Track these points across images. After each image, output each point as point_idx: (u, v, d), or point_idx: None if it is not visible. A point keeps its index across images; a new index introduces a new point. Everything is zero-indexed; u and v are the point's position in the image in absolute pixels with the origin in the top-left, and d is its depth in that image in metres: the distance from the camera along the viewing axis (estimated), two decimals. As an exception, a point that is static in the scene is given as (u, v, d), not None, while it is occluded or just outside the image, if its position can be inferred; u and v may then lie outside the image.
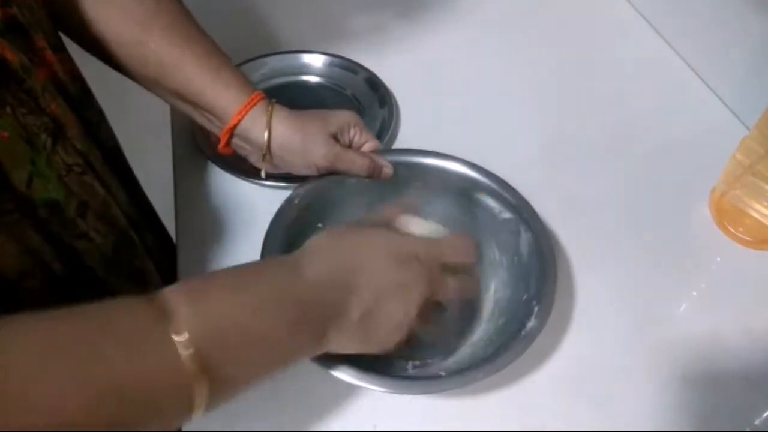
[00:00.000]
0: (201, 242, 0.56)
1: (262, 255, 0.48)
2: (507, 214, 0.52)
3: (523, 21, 0.83)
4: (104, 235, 0.44)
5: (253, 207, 0.56)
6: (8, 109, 0.36)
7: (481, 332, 0.49)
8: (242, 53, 0.69)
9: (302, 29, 0.79)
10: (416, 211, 0.49)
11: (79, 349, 0.28)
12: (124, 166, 0.55)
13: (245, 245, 0.55)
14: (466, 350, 0.48)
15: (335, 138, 0.52)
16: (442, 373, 0.44)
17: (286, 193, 0.53)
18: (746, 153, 0.56)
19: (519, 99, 0.72)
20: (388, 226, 0.46)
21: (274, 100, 0.51)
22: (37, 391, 0.26)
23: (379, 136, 0.62)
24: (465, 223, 0.54)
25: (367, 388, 0.43)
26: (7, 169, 0.35)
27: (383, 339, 0.40)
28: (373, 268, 0.40)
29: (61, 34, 0.46)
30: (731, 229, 0.59)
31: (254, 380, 0.36)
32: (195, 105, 0.51)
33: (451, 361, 0.47)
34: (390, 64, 0.73)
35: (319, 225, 0.54)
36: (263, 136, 0.50)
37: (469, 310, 0.51)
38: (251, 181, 0.60)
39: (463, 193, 0.54)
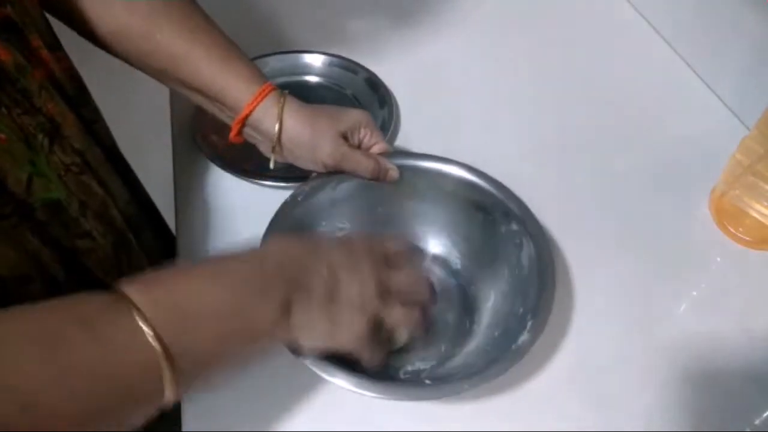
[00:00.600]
0: (201, 242, 0.56)
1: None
2: (512, 226, 0.51)
3: (523, 21, 0.83)
4: (103, 235, 0.44)
5: (253, 207, 0.56)
6: (3, 110, 0.36)
7: (476, 342, 0.49)
8: (242, 53, 0.69)
9: (302, 29, 0.79)
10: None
11: (38, 337, 0.29)
12: (122, 164, 0.55)
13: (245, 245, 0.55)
14: (459, 360, 0.48)
15: (345, 137, 0.52)
16: (428, 382, 0.44)
17: (286, 194, 0.53)
18: (746, 153, 0.56)
19: (519, 99, 0.72)
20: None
21: (286, 91, 0.51)
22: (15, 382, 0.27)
23: (379, 136, 0.62)
24: (469, 232, 0.54)
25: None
26: (5, 171, 0.35)
27: (350, 321, 0.40)
28: (324, 250, 0.41)
29: (60, 33, 0.46)
30: (731, 229, 0.59)
31: (219, 357, 0.36)
32: (206, 95, 0.51)
33: (443, 370, 0.47)
34: (390, 64, 0.73)
35: (323, 223, 0.54)
36: (274, 127, 0.50)
37: (467, 319, 0.51)
38: (251, 181, 0.60)
39: (467, 201, 0.54)
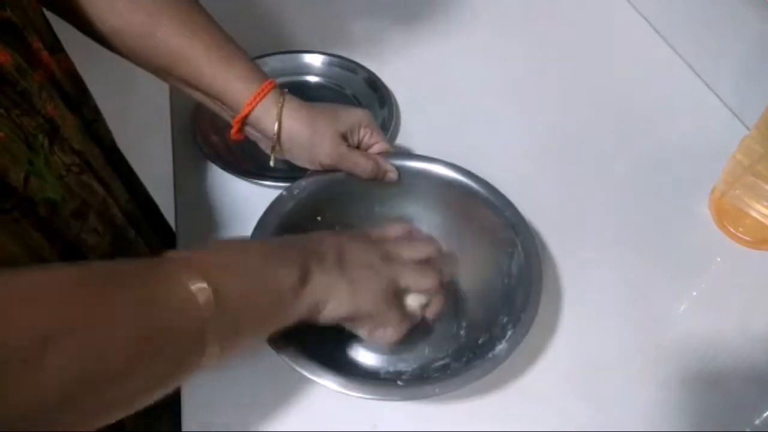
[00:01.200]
0: (201, 242, 0.56)
1: (253, 234, 0.49)
2: (504, 233, 0.51)
3: (523, 22, 0.83)
4: (103, 234, 0.44)
5: (253, 207, 0.56)
6: (2, 111, 0.36)
7: (461, 347, 0.49)
8: (242, 53, 0.69)
9: (302, 29, 0.79)
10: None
11: (106, 281, 0.31)
12: (122, 163, 0.55)
13: (245, 245, 0.55)
14: (441, 363, 0.48)
15: (344, 137, 0.52)
16: (400, 383, 0.45)
17: (286, 193, 0.53)
18: (746, 153, 0.56)
19: (519, 99, 0.72)
20: None
21: (285, 89, 0.51)
22: (56, 343, 0.27)
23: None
24: (463, 236, 0.54)
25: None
26: (5, 168, 0.35)
27: (368, 285, 0.42)
28: (331, 237, 0.45)
29: (61, 33, 0.46)
30: (731, 229, 0.59)
31: (255, 311, 0.37)
32: (206, 94, 0.51)
33: (423, 372, 0.47)
34: (390, 64, 0.73)
35: (318, 218, 0.54)
36: (273, 127, 0.50)
37: (455, 323, 0.51)
38: (251, 181, 0.60)
39: (465, 205, 0.54)
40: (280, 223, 0.50)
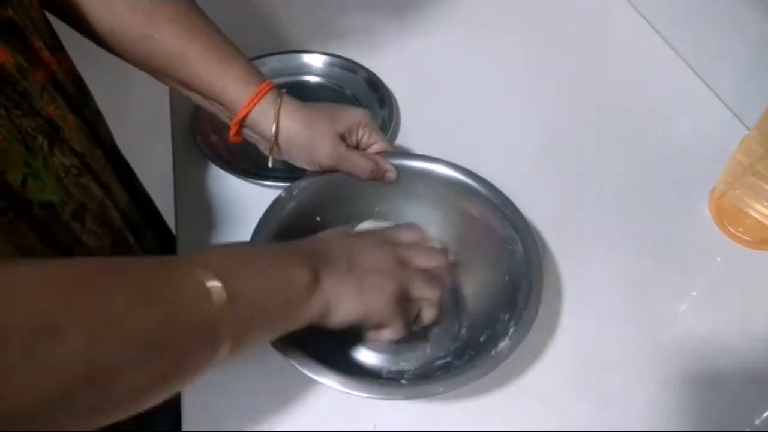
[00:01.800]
0: (201, 242, 0.56)
1: (253, 236, 0.49)
2: (504, 231, 0.51)
3: (523, 22, 0.83)
4: (101, 237, 0.44)
5: (253, 207, 0.56)
6: (2, 111, 0.35)
7: (462, 345, 0.49)
8: (242, 53, 0.69)
9: (302, 29, 0.79)
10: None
11: (121, 271, 0.31)
12: (123, 165, 0.55)
13: (245, 245, 0.56)
14: (443, 361, 0.48)
15: (343, 137, 0.52)
16: (404, 382, 0.45)
17: (286, 194, 0.53)
18: (746, 153, 0.56)
19: (519, 99, 0.72)
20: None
21: (283, 90, 0.51)
22: (74, 332, 0.27)
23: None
24: (463, 235, 0.54)
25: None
26: (2, 169, 0.35)
27: (378, 289, 0.42)
28: (345, 240, 0.45)
29: (62, 34, 0.46)
30: (731, 229, 0.59)
31: (268, 310, 0.37)
32: (204, 96, 0.51)
33: (426, 371, 0.47)
34: (390, 64, 0.73)
35: (318, 218, 0.54)
36: (271, 129, 0.50)
37: (456, 322, 0.51)
38: (251, 181, 0.60)
39: (463, 205, 0.54)
40: (280, 224, 0.50)
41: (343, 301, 0.41)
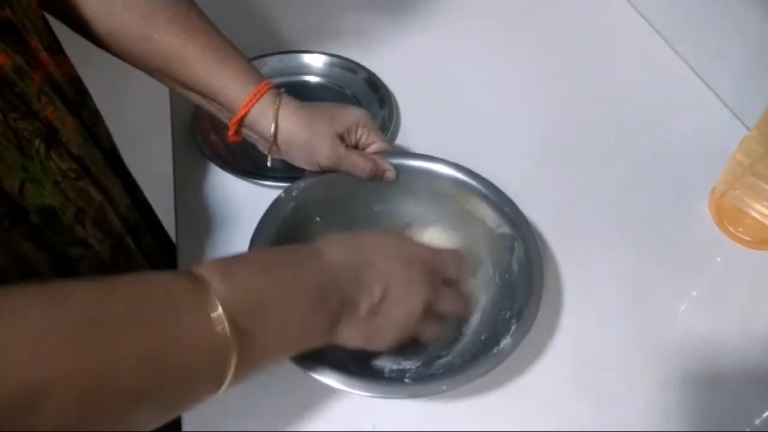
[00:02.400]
0: (201, 242, 0.56)
1: (253, 238, 0.48)
2: (504, 229, 0.51)
3: (523, 22, 0.83)
4: (101, 241, 0.44)
5: (253, 207, 0.56)
6: None
7: (463, 345, 0.49)
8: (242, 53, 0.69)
9: (302, 29, 0.79)
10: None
11: (115, 315, 0.29)
12: (122, 167, 0.54)
13: (245, 245, 0.55)
14: (445, 361, 0.48)
15: (342, 137, 0.52)
16: (407, 380, 0.45)
17: (286, 193, 0.53)
18: (746, 153, 0.56)
19: (519, 99, 0.72)
20: (399, 232, 0.48)
21: (282, 89, 0.51)
22: (72, 354, 0.26)
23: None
24: (462, 234, 0.54)
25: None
26: None
27: (386, 337, 0.41)
28: (382, 266, 0.41)
29: (61, 35, 0.46)
30: (731, 229, 0.59)
31: (273, 357, 0.36)
32: (203, 96, 0.51)
33: (428, 370, 0.47)
34: (390, 64, 0.73)
35: (317, 218, 0.54)
36: (270, 129, 0.50)
37: (455, 322, 0.51)
38: (251, 181, 0.60)
39: (463, 202, 0.54)
40: (280, 226, 0.50)
41: (347, 342, 0.40)
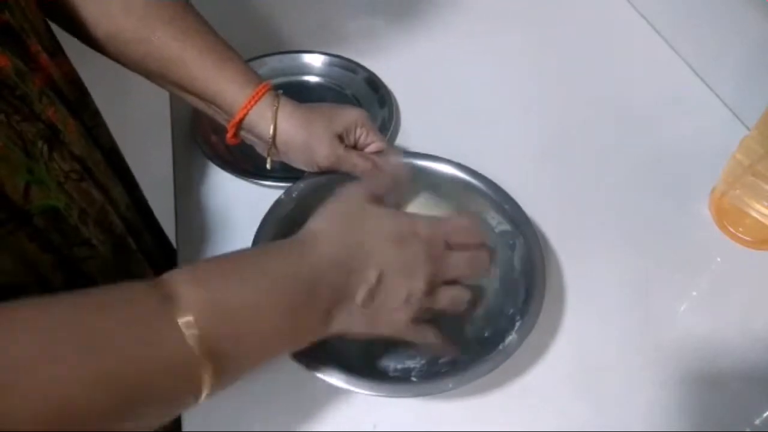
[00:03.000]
0: (201, 242, 0.56)
1: (254, 242, 0.48)
2: (504, 226, 0.51)
3: (523, 22, 0.83)
4: (103, 242, 0.44)
5: (253, 206, 0.56)
6: (2, 117, 0.35)
7: (466, 341, 0.49)
8: (242, 53, 0.68)
9: (302, 29, 0.79)
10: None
11: (79, 332, 0.28)
12: (122, 168, 0.54)
13: (245, 245, 0.55)
14: (448, 358, 0.48)
15: (340, 138, 0.52)
16: (414, 379, 0.44)
17: (286, 193, 0.53)
18: (746, 153, 0.56)
19: (519, 99, 0.72)
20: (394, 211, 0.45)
21: (280, 91, 0.51)
22: (33, 379, 0.26)
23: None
24: None
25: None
26: (1, 179, 0.35)
27: (390, 319, 0.40)
28: (374, 248, 0.39)
29: (61, 35, 0.46)
30: (731, 229, 0.59)
31: (260, 362, 0.35)
32: (201, 98, 0.51)
33: (432, 368, 0.47)
34: (390, 64, 0.73)
35: None
36: (269, 131, 0.50)
37: (459, 319, 0.51)
38: (251, 181, 0.60)
39: (463, 201, 0.54)
40: (281, 228, 0.50)
41: (347, 333, 0.39)
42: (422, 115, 0.69)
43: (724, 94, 0.72)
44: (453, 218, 0.45)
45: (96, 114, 0.50)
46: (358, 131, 0.53)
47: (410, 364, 0.48)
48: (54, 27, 0.45)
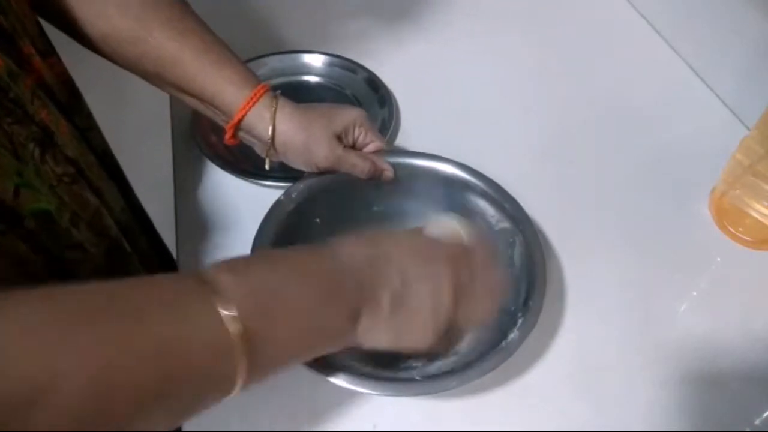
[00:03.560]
0: (201, 242, 0.56)
1: (255, 243, 0.48)
2: (504, 224, 0.52)
3: (523, 21, 0.83)
4: (96, 244, 0.44)
5: (252, 207, 0.56)
6: None
7: (468, 340, 0.49)
8: (242, 53, 0.68)
9: (302, 29, 0.79)
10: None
11: (122, 309, 0.28)
12: (116, 170, 0.54)
13: (245, 245, 0.55)
14: (451, 357, 0.48)
15: (339, 138, 0.52)
16: (418, 378, 0.44)
17: (286, 193, 0.53)
18: (746, 153, 0.56)
19: (519, 99, 0.72)
20: (418, 230, 0.46)
21: (278, 91, 0.51)
22: (74, 347, 0.25)
23: (379, 136, 0.62)
24: (465, 233, 0.54)
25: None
26: None
27: (418, 330, 0.39)
28: (400, 258, 0.40)
29: (59, 37, 0.46)
30: (731, 229, 0.59)
31: (290, 358, 0.36)
32: (199, 98, 0.51)
33: (434, 367, 0.47)
34: (390, 64, 0.73)
35: (317, 220, 0.54)
36: (267, 132, 0.50)
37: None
38: (251, 181, 0.60)
39: (462, 199, 0.54)
40: (281, 228, 0.50)
41: (373, 341, 0.39)
42: (422, 115, 0.69)
43: (724, 94, 0.72)
44: (472, 246, 0.45)
45: (89, 116, 0.49)
46: (357, 131, 0.53)
47: (412, 362, 0.48)
48: (50, 28, 0.45)
